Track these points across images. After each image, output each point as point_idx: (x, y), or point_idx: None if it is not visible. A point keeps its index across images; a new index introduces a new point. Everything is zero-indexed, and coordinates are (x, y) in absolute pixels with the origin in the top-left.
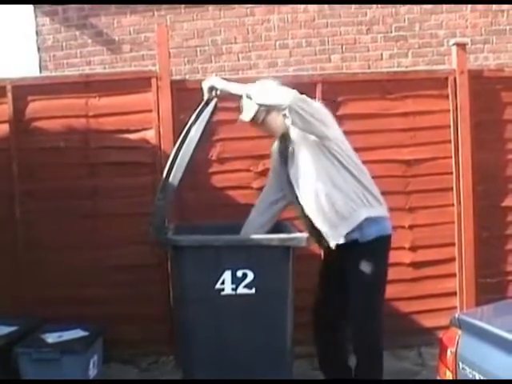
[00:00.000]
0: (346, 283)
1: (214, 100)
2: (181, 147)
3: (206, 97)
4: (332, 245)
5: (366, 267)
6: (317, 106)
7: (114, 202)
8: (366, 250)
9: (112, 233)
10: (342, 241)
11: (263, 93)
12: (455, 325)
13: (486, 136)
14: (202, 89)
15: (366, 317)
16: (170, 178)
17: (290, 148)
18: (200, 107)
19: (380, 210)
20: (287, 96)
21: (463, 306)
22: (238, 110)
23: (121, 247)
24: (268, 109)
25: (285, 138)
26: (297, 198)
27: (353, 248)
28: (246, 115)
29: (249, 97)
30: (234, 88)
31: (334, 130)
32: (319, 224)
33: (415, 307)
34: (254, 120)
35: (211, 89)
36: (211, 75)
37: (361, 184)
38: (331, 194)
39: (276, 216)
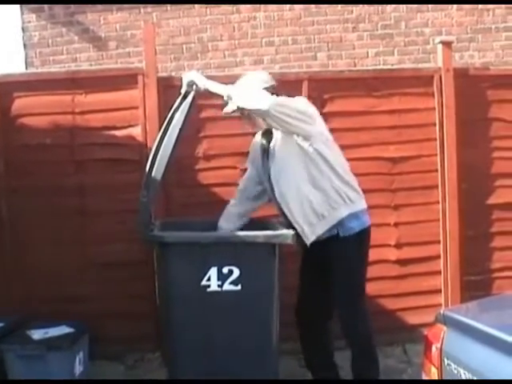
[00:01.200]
0: (328, 281)
1: (192, 93)
2: (161, 142)
3: (183, 90)
4: (308, 243)
5: (349, 262)
6: (299, 105)
7: (100, 198)
8: (349, 244)
9: (98, 230)
10: (316, 238)
11: (243, 96)
12: (440, 321)
13: (472, 134)
14: (181, 81)
15: (354, 315)
16: (153, 174)
17: (272, 145)
18: (178, 101)
19: (360, 203)
20: (265, 101)
21: (448, 303)
22: (224, 107)
23: (107, 244)
24: None
25: (270, 132)
26: (275, 195)
27: (333, 243)
28: (230, 107)
29: (229, 98)
30: (214, 87)
31: (317, 126)
32: (296, 223)
33: (400, 304)
34: (238, 112)
35: (191, 84)
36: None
37: (343, 181)
38: (310, 194)
39: (254, 210)
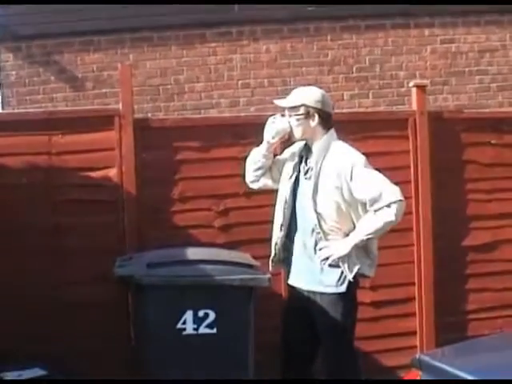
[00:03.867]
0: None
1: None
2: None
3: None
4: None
5: (337, 313)
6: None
7: (75, 239)
8: (337, 295)
9: (73, 270)
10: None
11: (373, 229)
12: (416, 366)
13: (446, 177)
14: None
15: (342, 360)
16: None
17: (315, 171)
18: None
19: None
20: (391, 216)
21: (423, 345)
22: (200, 149)
23: (81, 284)
24: (309, 113)
25: (309, 148)
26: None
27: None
28: (286, 102)
29: (363, 241)
30: (352, 243)
31: None
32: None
33: (375, 346)
34: (291, 109)
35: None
36: (173, 114)
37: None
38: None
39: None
